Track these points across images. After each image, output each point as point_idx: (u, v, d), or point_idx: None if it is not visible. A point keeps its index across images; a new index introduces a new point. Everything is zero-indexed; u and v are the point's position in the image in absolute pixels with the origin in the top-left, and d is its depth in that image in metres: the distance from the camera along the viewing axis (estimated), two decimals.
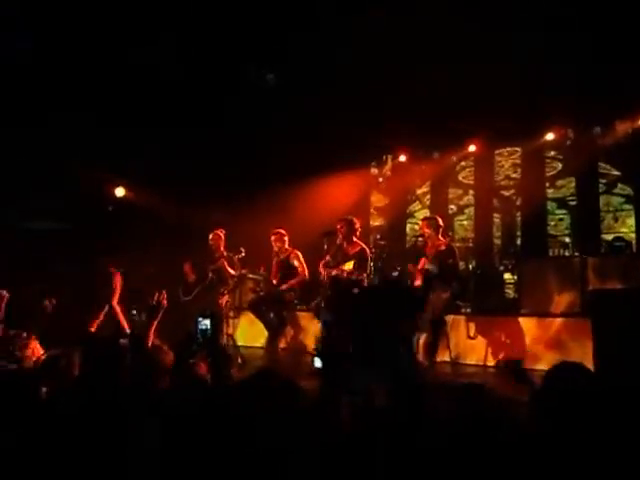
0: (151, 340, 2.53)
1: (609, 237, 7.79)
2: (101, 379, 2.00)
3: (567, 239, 8.38)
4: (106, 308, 3.31)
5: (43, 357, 2.39)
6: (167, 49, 6.87)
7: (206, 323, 2.17)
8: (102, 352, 2.08)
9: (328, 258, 6.05)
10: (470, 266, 7.41)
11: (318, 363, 1.79)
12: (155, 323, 2.69)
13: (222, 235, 6.52)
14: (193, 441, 1.81)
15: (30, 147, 6.87)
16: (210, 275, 6.34)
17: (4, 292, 2.99)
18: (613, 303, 3.81)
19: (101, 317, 3.21)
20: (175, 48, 6.85)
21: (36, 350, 2.67)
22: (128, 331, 2.78)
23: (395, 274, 7.41)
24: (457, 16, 6.42)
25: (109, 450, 1.78)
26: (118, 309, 2.97)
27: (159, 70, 7.05)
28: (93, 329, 3.01)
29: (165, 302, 2.72)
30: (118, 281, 3.08)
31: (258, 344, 6.97)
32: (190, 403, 2.01)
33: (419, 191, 9.94)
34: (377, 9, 6.54)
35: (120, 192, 8.00)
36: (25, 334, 2.69)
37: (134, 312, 6.50)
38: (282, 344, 6.47)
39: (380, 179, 10.21)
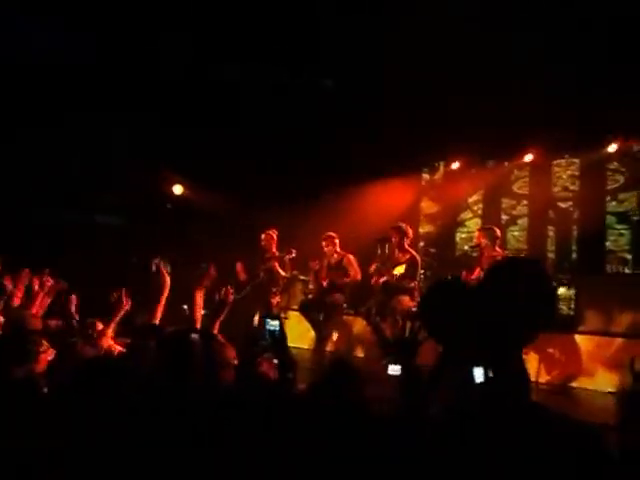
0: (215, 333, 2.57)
1: None
2: (174, 373, 2.04)
3: (627, 255, 8.04)
4: (163, 301, 3.37)
5: (119, 348, 2.48)
6: (231, 52, 7.01)
7: (274, 324, 2.20)
8: (176, 346, 2.13)
9: (378, 264, 6.05)
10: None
11: (394, 370, 1.78)
12: (219, 319, 2.74)
13: (274, 235, 6.61)
14: (258, 437, 1.83)
15: (94, 145, 7.14)
16: (261, 275, 6.43)
17: (73, 297, 3.13)
18: None
19: (160, 310, 3.27)
20: (238, 52, 6.99)
21: (112, 344, 2.76)
22: (198, 325, 2.84)
23: None
24: (515, 23, 6.32)
25: (180, 443, 1.82)
26: (200, 301, 3.03)
27: (220, 72, 7.21)
28: (157, 321, 3.08)
29: (231, 298, 2.77)
30: (211, 272, 3.15)
31: (304, 345, 7.01)
32: (257, 401, 2.04)
33: (470, 199, 9.75)
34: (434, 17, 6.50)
35: (178, 190, 8.21)
36: (101, 325, 2.79)
37: (185, 307, 6.65)
38: (329, 347, 6.49)
39: (426, 183, 10.09)
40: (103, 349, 2.68)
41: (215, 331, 2.81)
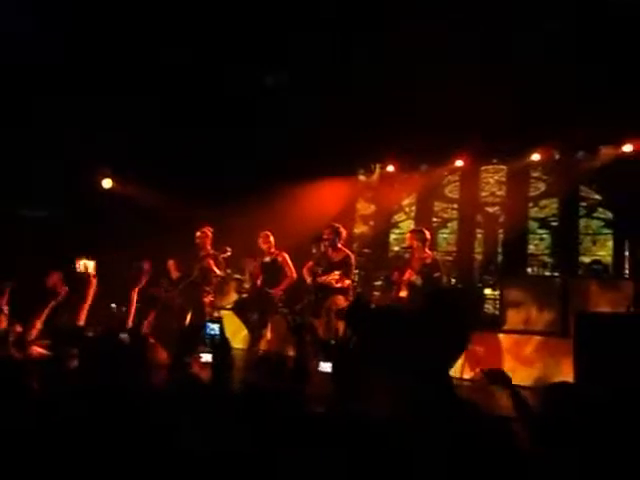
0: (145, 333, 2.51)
1: (587, 259, 7.98)
2: (99, 375, 1.98)
3: (546, 259, 8.54)
4: (89, 301, 3.26)
5: (39, 350, 2.36)
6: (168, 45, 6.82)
7: (214, 328, 2.14)
8: (100, 348, 2.06)
9: (311, 263, 6.11)
10: (452, 280, 7.50)
11: (326, 367, 1.84)
12: (149, 319, 2.67)
13: (209, 233, 6.51)
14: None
15: (24, 137, 6.75)
16: (195, 273, 6.31)
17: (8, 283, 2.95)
18: (600, 326, 3.92)
19: (85, 310, 3.16)
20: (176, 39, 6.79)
21: (33, 347, 2.63)
22: (130, 324, 2.74)
23: (379, 283, 7.47)
24: (451, 33, 6.55)
25: (107, 446, 1.77)
26: (134, 299, 2.92)
27: (152, 62, 6.99)
28: (82, 323, 2.97)
29: (163, 294, 2.71)
30: (146, 269, 3.04)
31: (237, 345, 6.95)
32: (189, 402, 2.01)
33: (404, 202, 10.01)
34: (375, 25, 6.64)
35: (107, 184, 7.90)
36: (20, 328, 2.65)
37: (113, 305, 6.41)
38: (262, 346, 6.47)
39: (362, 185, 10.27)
40: (24, 352, 2.54)
41: (145, 330, 2.74)
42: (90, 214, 7.59)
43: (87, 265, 3.10)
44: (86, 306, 3.01)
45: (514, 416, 2.26)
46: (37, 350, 2.64)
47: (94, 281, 3.07)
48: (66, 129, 6.85)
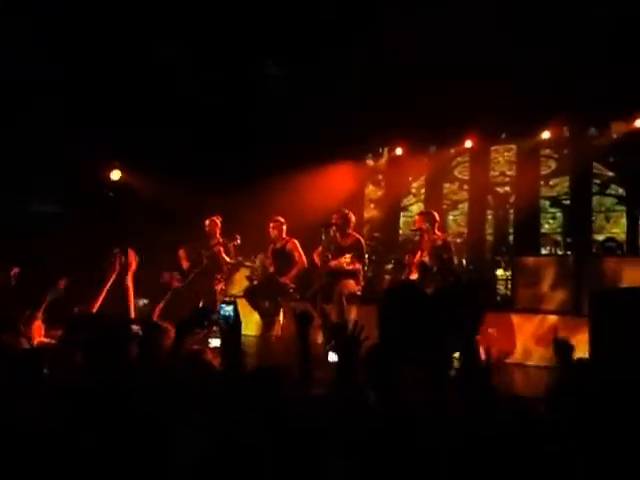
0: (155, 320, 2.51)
1: (601, 237, 7.87)
2: (111, 365, 1.99)
3: (559, 238, 8.45)
4: (106, 288, 3.26)
5: (49, 340, 2.37)
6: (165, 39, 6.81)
7: (229, 310, 2.13)
8: (113, 338, 2.06)
9: (321, 249, 6.09)
10: (463, 261, 7.45)
11: (333, 357, 1.83)
12: (160, 305, 2.67)
13: (218, 222, 6.52)
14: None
15: (28, 131, 6.78)
16: (205, 261, 6.33)
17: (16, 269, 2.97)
18: (615, 303, 3.88)
19: (101, 298, 3.17)
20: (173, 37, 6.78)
21: (39, 329, 2.64)
22: (133, 314, 2.73)
23: (390, 266, 7.45)
24: (457, 13, 6.46)
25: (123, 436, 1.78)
26: (131, 288, 2.90)
27: (154, 56, 6.99)
28: (94, 310, 2.97)
29: (175, 284, 2.71)
30: (133, 258, 3.02)
31: (249, 332, 6.98)
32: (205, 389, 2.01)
33: (414, 185, 9.95)
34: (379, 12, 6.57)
35: (116, 175, 7.90)
36: (28, 312, 2.67)
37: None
38: (275, 332, 6.49)
39: (370, 169, 10.21)
40: (35, 337, 2.56)
41: (155, 317, 2.75)
42: (100, 207, 7.62)
43: (118, 256, 3.09)
44: (102, 295, 3.01)
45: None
46: (42, 340, 2.65)
47: (114, 271, 3.06)
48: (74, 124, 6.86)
